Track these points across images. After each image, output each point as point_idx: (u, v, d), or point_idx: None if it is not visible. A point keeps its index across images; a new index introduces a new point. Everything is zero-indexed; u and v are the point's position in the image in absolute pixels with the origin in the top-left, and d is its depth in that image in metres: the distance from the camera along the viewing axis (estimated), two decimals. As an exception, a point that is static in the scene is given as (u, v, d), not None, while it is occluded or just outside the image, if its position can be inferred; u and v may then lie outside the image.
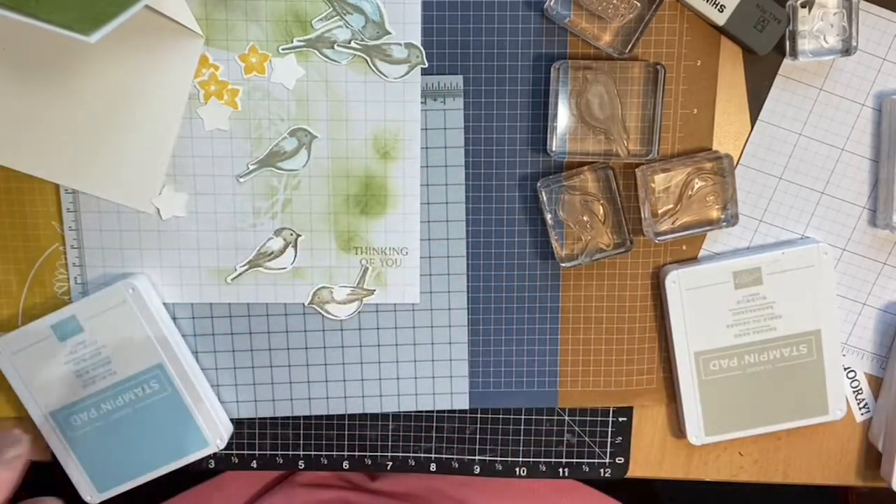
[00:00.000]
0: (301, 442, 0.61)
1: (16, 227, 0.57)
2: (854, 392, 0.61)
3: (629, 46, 0.55)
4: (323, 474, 0.71)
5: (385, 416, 0.61)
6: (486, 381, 0.60)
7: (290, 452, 0.61)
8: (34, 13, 0.44)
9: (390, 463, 0.62)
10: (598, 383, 0.60)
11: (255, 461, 0.61)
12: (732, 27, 0.54)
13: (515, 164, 0.58)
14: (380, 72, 0.55)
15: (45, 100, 0.54)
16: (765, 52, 0.55)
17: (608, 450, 0.61)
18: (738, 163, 0.58)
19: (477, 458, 0.62)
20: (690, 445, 0.60)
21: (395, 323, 0.59)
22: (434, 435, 0.61)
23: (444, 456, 0.61)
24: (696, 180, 0.57)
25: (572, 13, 0.55)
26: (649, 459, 0.62)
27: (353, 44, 0.55)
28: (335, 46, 0.55)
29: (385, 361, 0.60)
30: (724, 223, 0.57)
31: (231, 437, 0.60)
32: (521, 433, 0.61)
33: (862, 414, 0.62)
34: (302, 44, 0.55)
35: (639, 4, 0.55)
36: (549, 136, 0.56)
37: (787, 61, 0.57)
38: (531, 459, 0.62)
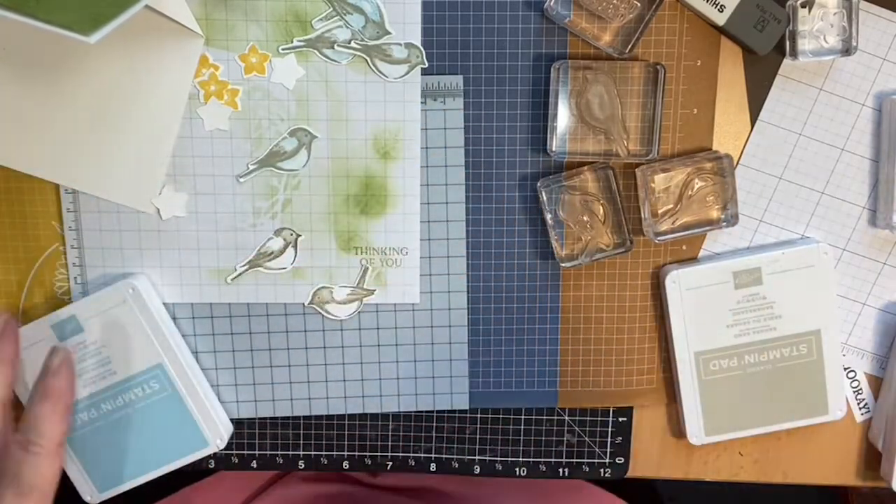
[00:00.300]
0: (301, 442, 0.61)
1: (16, 227, 0.57)
2: (854, 392, 0.61)
3: (629, 46, 0.55)
4: None
5: (385, 416, 0.61)
6: (486, 381, 0.60)
7: (290, 452, 0.61)
8: (34, 13, 0.44)
9: (390, 463, 0.62)
10: (598, 383, 0.60)
11: (255, 461, 0.61)
12: (732, 27, 0.54)
13: (515, 164, 0.58)
14: (380, 72, 0.55)
15: (45, 100, 0.54)
16: (765, 52, 0.55)
17: (608, 450, 0.61)
18: (738, 163, 0.58)
19: (477, 458, 0.62)
20: (690, 445, 0.60)
21: (395, 323, 0.59)
22: (434, 435, 0.61)
23: (444, 456, 0.61)
24: (696, 180, 0.57)
25: (572, 13, 0.55)
26: (649, 459, 0.62)
27: (353, 44, 0.55)
28: (335, 46, 0.55)
29: (385, 361, 0.60)
30: (724, 223, 0.57)
31: (231, 437, 0.60)
32: (521, 433, 0.61)
33: (862, 414, 0.62)
34: (302, 44, 0.55)
35: (639, 4, 0.55)
36: (549, 136, 0.56)
37: (787, 61, 0.57)
38: (531, 459, 0.62)
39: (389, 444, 0.61)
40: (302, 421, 0.61)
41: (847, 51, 0.55)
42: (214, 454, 0.60)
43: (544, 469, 0.62)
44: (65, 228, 0.57)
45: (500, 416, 0.61)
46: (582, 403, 0.61)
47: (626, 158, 0.57)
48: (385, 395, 0.60)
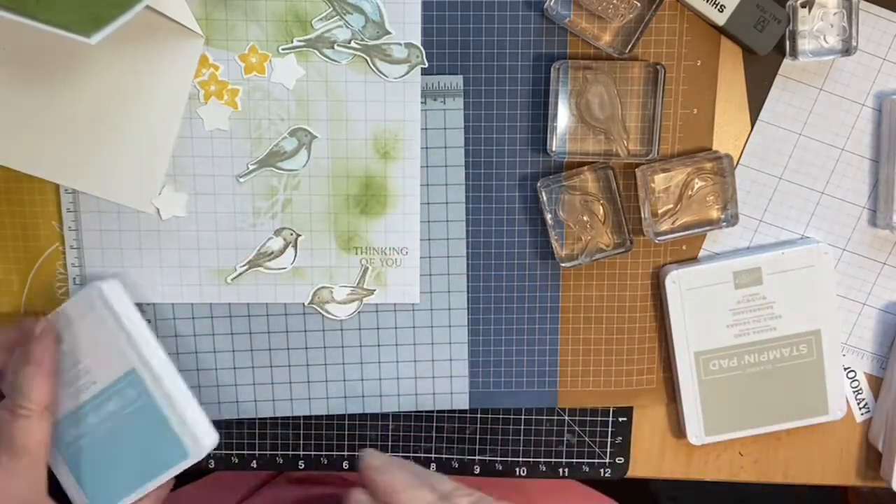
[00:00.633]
0: (301, 442, 0.61)
1: (16, 227, 0.57)
2: (854, 392, 0.61)
3: (629, 46, 0.55)
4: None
5: (385, 416, 0.61)
6: (486, 381, 0.60)
7: (290, 452, 0.61)
8: (34, 14, 0.44)
9: (390, 463, 0.62)
10: (598, 383, 0.60)
11: (255, 461, 0.61)
12: (732, 27, 0.54)
13: (515, 164, 0.58)
14: (380, 72, 0.55)
15: (45, 100, 0.54)
16: (765, 52, 0.55)
17: (608, 450, 0.61)
18: (738, 163, 0.58)
19: (477, 458, 0.62)
20: (690, 445, 0.60)
21: (395, 323, 0.59)
22: (434, 435, 0.61)
23: (444, 456, 0.61)
24: (696, 180, 0.57)
25: (572, 13, 0.55)
26: (649, 459, 0.62)
27: (353, 44, 0.55)
28: (335, 46, 0.55)
29: (385, 361, 0.60)
30: (724, 223, 0.57)
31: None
32: (521, 433, 0.61)
33: (862, 414, 0.62)
34: (302, 44, 0.55)
35: (639, 4, 0.55)
36: (549, 136, 0.56)
37: (787, 61, 0.57)
38: (531, 459, 0.62)
39: (389, 444, 0.61)
40: (302, 421, 0.61)
41: (847, 51, 0.55)
42: (213, 455, 0.60)
43: (544, 469, 0.62)
44: (65, 228, 0.57)
45: (500, 416, 0.61)
46: (582, 403, 0.61)
47: (626, 158, 0.57)
48: (385, 395, 0.60)
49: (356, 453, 0.61)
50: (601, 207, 0.57)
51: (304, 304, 0.58)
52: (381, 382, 0.60)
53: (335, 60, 0.55)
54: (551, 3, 0.55)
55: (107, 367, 0.54)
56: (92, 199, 0.57)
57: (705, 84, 0.57)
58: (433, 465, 0.61)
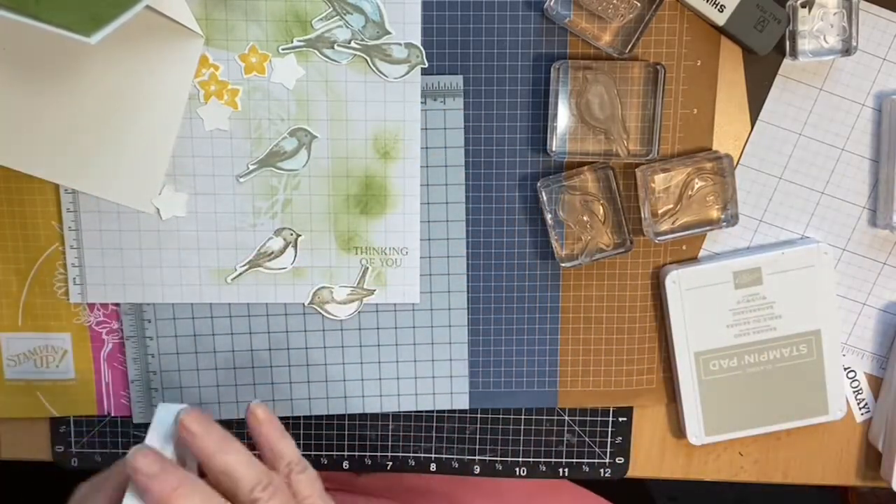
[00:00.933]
0: (301, 442, 0.61)
1: (16, 227, 0.57)
2: (854, 392, 0.61)
3: (629, 46, 0.55)
4: None
5: (385, 416, 0.61)
6: (486, 381, 0.60)
7: (290, 452, 0.61)
8: (34, 14, 0.44)
9: (390, 463, 0.62)
10: (598, 383, 0.60)
11: (255, 461, 0.61)
12: (732, 27, 0.54)
13: (515, 164, 0.58)
14: (380, 72, 0.55)
15: (45, 100, 0.54)
16: (765, 52, 0.55)
17: (608, 450, 0.61)
18: (738, 163, 0.58)
19: (477, 458, 0.62)
20: (690, 445, 0.60)
21: (395, 323, 0.59)
22: (434, 435, 0.61)
23: (444, 456, 0.61)
24: (696, 180, 0.57)
25: (572, 13, 0.55)
26: (649, 459, 0.62)
27: (353, 44, 0.55)
28: (335, 46, 0.55)
29: (385, 361, 0.60)
30: (724, 223, 0.57)
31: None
32: (521, 433, 0.61)
33: (862, 414, 0.62)
34: (302, 44, 0.55)
35: (639, 4, 0.55)
36: (549, 136, 0.56)
37: (787, 61, 0.57)
38: (531, 459, 0.62)
39: (389, 444, 0.61)
40: (302, 421, 0.61)
41: (847, 51, 0.55)
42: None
43: (544, 469, 0.62)
44: (65, 228, 0.57)
45: (500, 416, 0.61)
46: (582, 403, 0.61)
47: (626, 158, 0.57)
48: (385, 395, 0.60)
49: (356, 453, 0.61)
50: (601, 207, 0.57)
51: (304, 304, 0.58)
52: (381, 382, 0.60)
53: (335, 60, 0.55)
54: (551, 3, 0.55)
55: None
56: (92, 199, 0.57)
57: (705, 84, 0.57)
58: (433, 465, 0.61)
